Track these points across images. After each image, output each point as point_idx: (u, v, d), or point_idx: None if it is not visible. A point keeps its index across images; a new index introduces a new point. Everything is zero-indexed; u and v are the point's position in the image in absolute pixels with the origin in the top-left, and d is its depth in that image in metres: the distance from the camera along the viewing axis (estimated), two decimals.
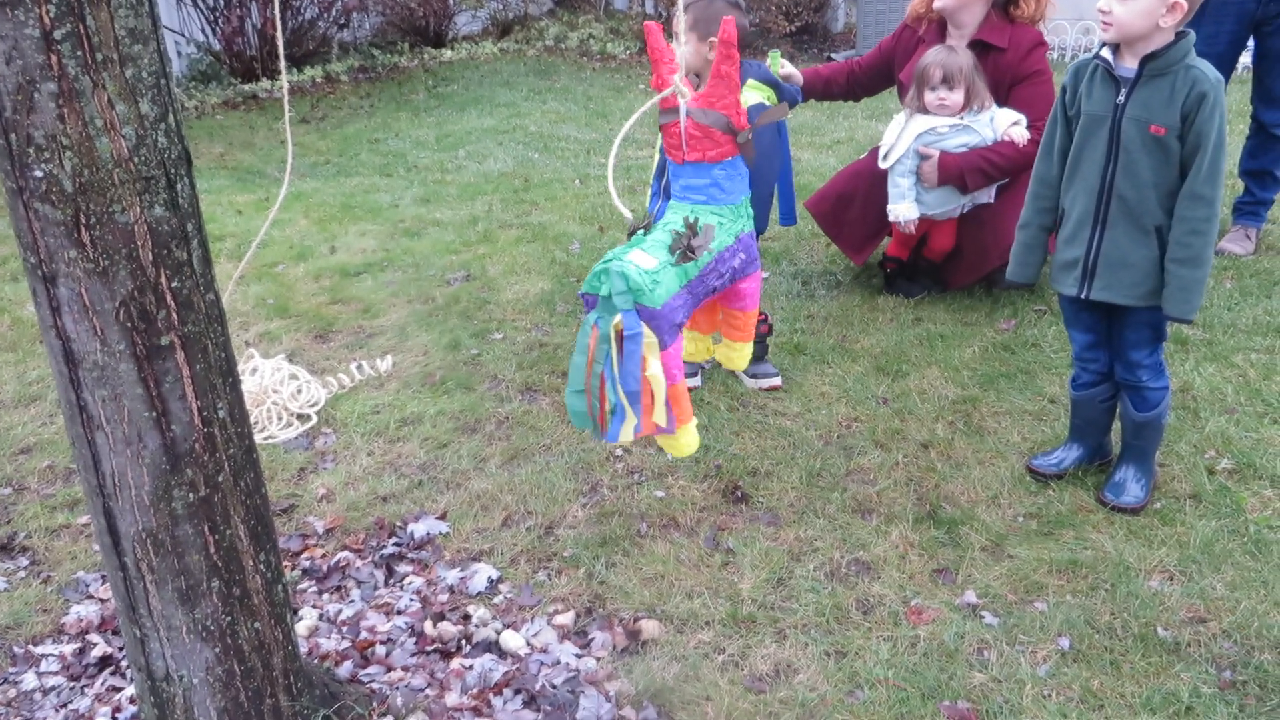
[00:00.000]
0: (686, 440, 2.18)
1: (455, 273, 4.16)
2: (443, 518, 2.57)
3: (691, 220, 2.05)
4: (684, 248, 2.03)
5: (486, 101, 7.41)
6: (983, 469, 2.64)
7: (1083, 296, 2.34)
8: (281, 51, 2.12)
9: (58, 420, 3.13)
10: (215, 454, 1.51)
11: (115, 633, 2.24)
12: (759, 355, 3.14)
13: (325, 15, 8.16)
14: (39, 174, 1.30)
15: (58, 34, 1.24)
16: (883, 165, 3.39)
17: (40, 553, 2.52)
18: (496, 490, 2.67)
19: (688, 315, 2.11)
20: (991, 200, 3.43)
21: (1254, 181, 3.85)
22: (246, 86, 7.76)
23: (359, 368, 3.35)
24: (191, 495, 1.50)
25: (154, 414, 1.44)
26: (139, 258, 1.37)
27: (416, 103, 7.55)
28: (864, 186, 3.56)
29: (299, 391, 3.15)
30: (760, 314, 3.03)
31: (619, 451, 2.81)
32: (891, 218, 3.42)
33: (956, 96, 3.27)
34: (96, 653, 2.18)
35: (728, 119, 2.00)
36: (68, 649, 2.20)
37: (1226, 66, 3.70)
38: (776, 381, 3.08)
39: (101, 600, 2.36)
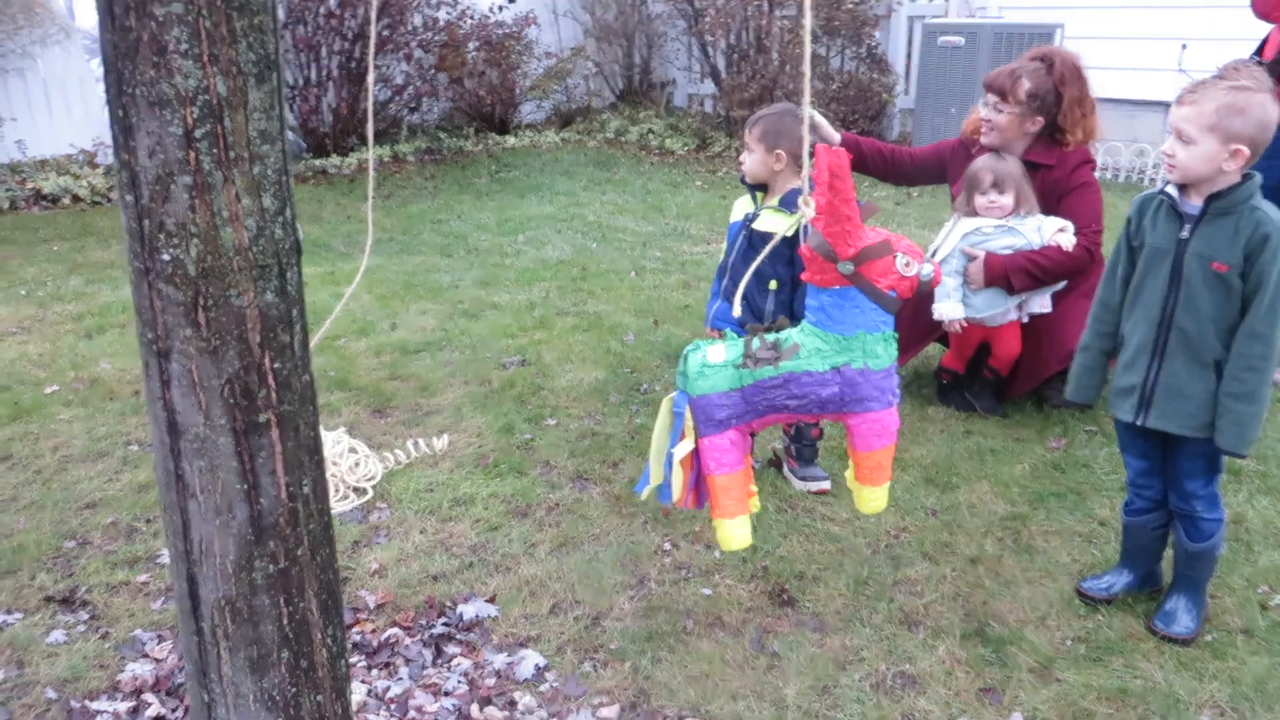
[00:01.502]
0: (723, 534, 2.20)
1: (511, 357, 4.25)
2: (492, 601, 2.60)
3: (773, 335, 2.08)
4: (746, 354, 2.08)
5: (547, 189, 7.61)
6: (1031, 588, 2.63)
7: (1139, 424, 2.36)
8: (370, 142, 2.24)
9: (124, 477, 3.23)
10: (297, 528, 1.58)
11: (169, 693, 2.29)
12: (808, 458, 3.18)
13: (397, 98, 8.48)
14: (166, 257, 1.40)
15: (198, 133, 1.35)
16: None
17: (100, 608, 2.58)
18: (545, 577, 2.70)
19: (740, 418, 2.13)
20: (1048, 309, 3.48)
21: None
22: (317, 162, 8.04)
23: (415, 445, 3.42)
24: (271, 567, 1.56)
25: (245, 486, 1.51)
26: (248, 339, 1.45)
27: (479, 186, 7.77)
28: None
29: (357, 465, 3.23)
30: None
31: (666, 545, 2.84)
32: (936, 316, 3.48)
33: (1006, 200, 3.38)
34: (150, 713, 2.22)
35: (830, 246, 1.98)
36: (122, 707, 2.25)
37: (1278, 200, 3.74)
38: (825, 485, 3.11)
39: (157, 660, 2.41)
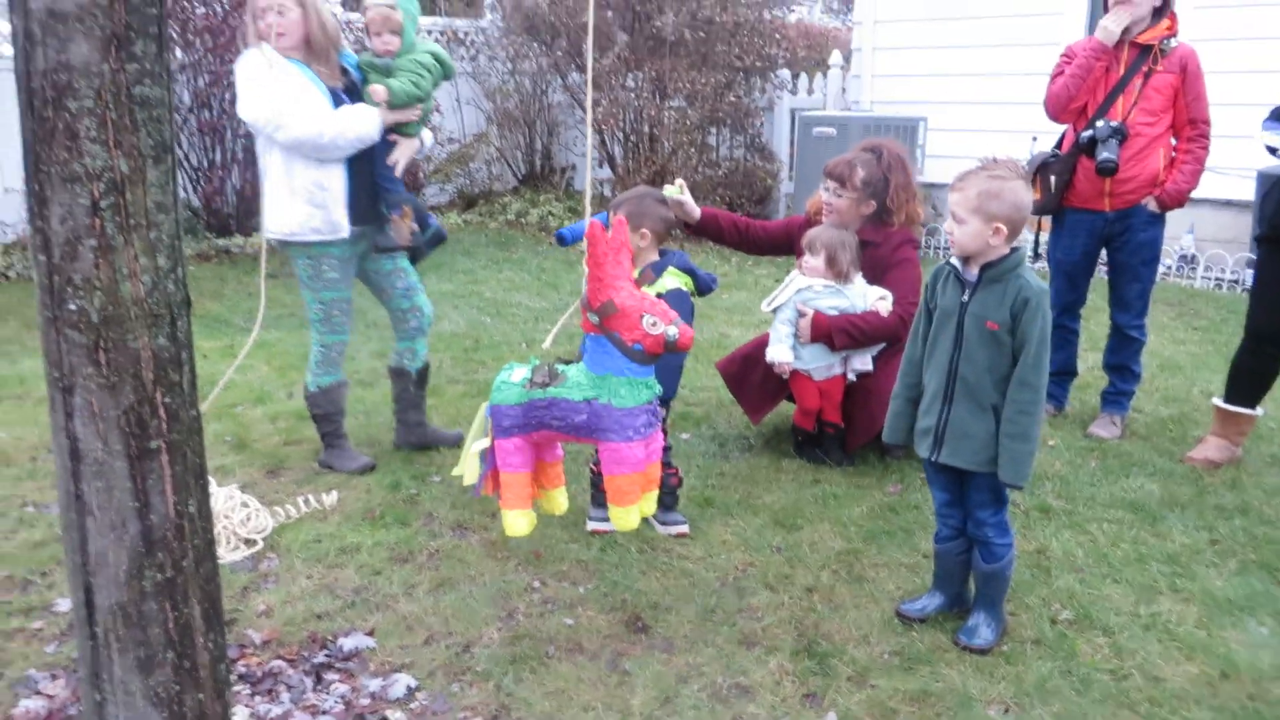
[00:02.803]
0: (504, 521, 2.62)
1: None
2: (371, 634, 2.83)
3: (552, 363, 2.49)
4: (530, 377, 2.50)
5: (447, 268, 7.92)
6: (858, 612, 2.97)
7: (934, 460, 2.74)
8: (264, 221, 2.53)
9: (20, 535, 3.37)
10: (183, 542, 1.82)
11: None
12: (669, 505, 3.49)
13: None
14: (72, 307, 1.66)
15: (103, 204, 1.63)
16: (765, 309, 3.92)
17: None
18: (422, 613, 2.94)
19: (521, 429, 2.54)
20: (870, 369, 3.90)
21: (1115, 375, 4.37)
22: (220, 241, 8.23)
23: (306, 501, 3.64)
24: (159, 575, 1.80)
25: (138, 504, 1.76)
26: (142, 377, 1.72)
27: None
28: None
29: (248, 519, 3.43)
30: (671, 468, 3.41)
31: (536, 583, 3.11)
32: (768, 358, 3.90)
33: (816, 262, 3.87)
34: None
35: (587, 300, 2.43)
36: None
37: (1083, 274, 4.27)
38: (684, 529, 3.42)
39: (49, 696, 2.57)
